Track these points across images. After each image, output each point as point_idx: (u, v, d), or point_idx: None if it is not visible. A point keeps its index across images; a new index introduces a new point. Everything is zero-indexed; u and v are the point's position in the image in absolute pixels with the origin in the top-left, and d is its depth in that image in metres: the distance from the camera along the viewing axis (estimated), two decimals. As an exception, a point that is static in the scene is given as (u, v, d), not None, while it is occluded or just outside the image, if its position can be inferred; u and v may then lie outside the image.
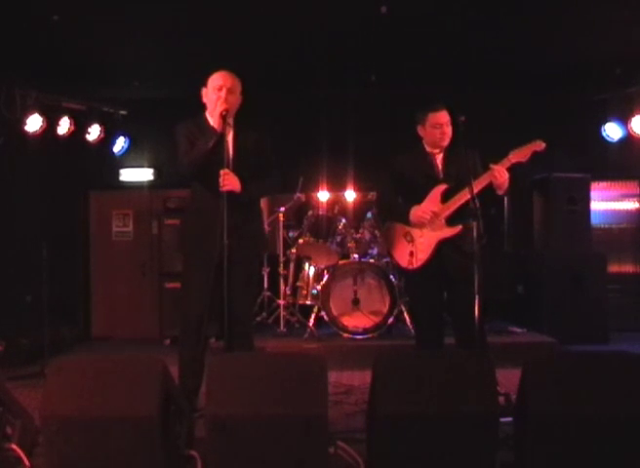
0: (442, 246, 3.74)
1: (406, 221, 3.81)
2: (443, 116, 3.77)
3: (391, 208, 3.98)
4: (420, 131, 3.85)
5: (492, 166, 3.60)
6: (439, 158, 3.84)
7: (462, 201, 3.64)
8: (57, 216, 6.41)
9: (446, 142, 3.79)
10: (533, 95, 6.61)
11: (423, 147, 3.88)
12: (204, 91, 3.64)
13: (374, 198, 6.08)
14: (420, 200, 3.77)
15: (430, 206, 3.74)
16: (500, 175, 3.57)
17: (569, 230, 6.17)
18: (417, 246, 3.78)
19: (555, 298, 5.98)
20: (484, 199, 3.61)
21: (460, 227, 3.68)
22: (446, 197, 3.74)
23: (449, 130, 3.77)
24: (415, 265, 3.78)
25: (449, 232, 3.72)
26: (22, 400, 3.30)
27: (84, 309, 6.95)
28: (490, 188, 3.63)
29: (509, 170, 3.62)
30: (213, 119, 3.56)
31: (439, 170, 3.82)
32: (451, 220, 3.73)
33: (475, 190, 3.55)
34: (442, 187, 3.74)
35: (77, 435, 2.61)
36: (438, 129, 3.75)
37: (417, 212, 3.75)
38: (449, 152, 3.83)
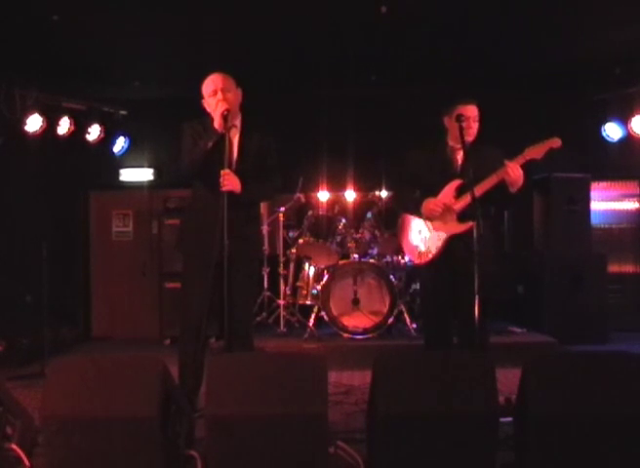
0: (453, 243, 3.69)
1: (419, 214, 3.78)
2: (471, 110, 3.70)
3: (405, 200, 3.93)
4: (447, 122, 3.77)
5: (506, 162, 3.54)
6: (460, 154, 3.75)
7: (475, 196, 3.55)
8: (57, 216, 6.42)
9: (470, 138, 3.70)
10: (533, 95, 6.61)
11: (446, 141, 3.80)
12: (204, 102, 3.64)
13: (374, 198, 6.11)
14: (435, 195, 3.73)
15: (444, 199, 3.69)
16: (512, 171, 3.49)
17: (569, 230, 6.17)
18: (428, 241, 3.77)
19: (555, 298, 5.98)
20: (496, 196, 3.57)
21: (470, 224, 3.58)
22: (460, 192, 3.68)
23: (475, 125, 3.70)
24: (423, 260, 3.79)
25: (460, 228, 3.65)
26: (22, 400, 3.30)
27: (84, 309, 6.95)
28: (503, 185, 3.56)
29: (523, 167, 3.56)
30: (215, 120, 3.56)
31: (457, 165, 3.75)
32: (463, 217, 3.66)
33: (488, 186, 3.52)
34: (457, 182, 3.68)
35: (77, 435, 2.61)
36: (464, 122, 3.66)
37: (428, 204, 3.71)
38: (471, 149, 3.72)
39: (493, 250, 3.83)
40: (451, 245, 3.70)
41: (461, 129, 3.60)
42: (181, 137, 3.65)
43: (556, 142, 3.57)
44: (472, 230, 3.52)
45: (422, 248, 3.79)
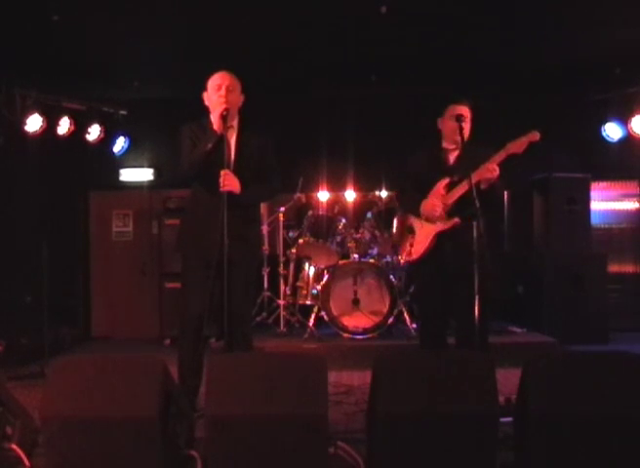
0: (440, 241, 3.73)
1: (419, 214, 3.83)
2: (462, 109, 3.72)
3: (408, 202, 3.98)
4: (440, 123, 3.82)
5: (486, 165, 3.55)
6: (454, 155, 3.80)
7: (461, 193, 3.62)
8: (57, 217, 6.41)
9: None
10: (533, 95, 6.60)
11: (440, 143, 3.84)
12: (205, 94, 3.64)
13: (374, 198, 6.11)
14: (426, 195, 3.78)
15: (436, 199, 3.73)
16: (488, 171, 3.53)
17: (569, 230, 6.17)
18: (416, 238, 3.82)
19: (555, 298, 5.98)
20: (479, 196, 3.57)
21: (455, 220, 3.67)
22: (449, 191, 3.72)
23: (466, 126, 3.71)
24: (411, 257, 3.84)
25: (444, 225, 3.70)
26: (22, 400, 3.29)
27: (84, 309, 6.94)
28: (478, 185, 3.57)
29: (504, 162, 3.59)
30: (214, 120, 3.56)
31: (449, 165, 3.78)
32: (449, 215, 3.70)
33: (465, 189, 3.54)
34: (445, 181, 3.72)
35: (77, 435, 2.61)
36: (462, 122, 3.67)
37: (426, 206, 3.76)
38: (465, 149, 3.74)
39: (488, 249, 3.84)
40: (438, 243, 3.75)
41: (461, 128, 3.63)
42: (180, 140, 3.65)
43: (534, 136, 3.58)
44: (460, 229, 3.60)
45: (411, 246, 3.85)
